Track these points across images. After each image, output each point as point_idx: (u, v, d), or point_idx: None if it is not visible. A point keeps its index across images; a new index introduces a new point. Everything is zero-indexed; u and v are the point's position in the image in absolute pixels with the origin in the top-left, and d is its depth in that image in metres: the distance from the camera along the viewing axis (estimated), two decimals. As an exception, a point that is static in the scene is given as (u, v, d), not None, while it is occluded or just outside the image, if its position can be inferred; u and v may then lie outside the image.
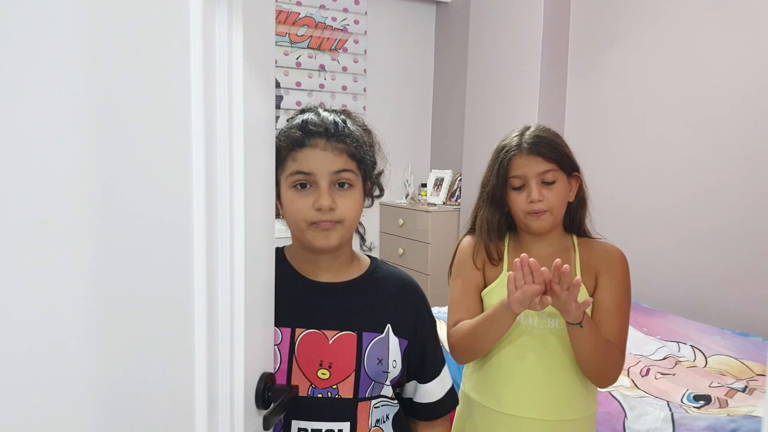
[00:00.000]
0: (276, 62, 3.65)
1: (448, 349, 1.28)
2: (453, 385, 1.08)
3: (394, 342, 0.96)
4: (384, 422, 0.97)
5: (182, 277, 0.63)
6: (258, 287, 0.77)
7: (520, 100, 3.11)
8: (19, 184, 0.45)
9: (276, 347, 0.93)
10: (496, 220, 1.30)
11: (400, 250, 3.62)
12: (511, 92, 3.16)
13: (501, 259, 1.31)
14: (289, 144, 0.91)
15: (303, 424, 0.91)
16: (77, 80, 0.49)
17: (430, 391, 1.03)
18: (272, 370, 0.82)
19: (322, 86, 3.71)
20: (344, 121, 0.94)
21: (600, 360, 1.19)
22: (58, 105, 0.48)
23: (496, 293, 1.26)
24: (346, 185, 0.91)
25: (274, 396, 0.77)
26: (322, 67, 3.71)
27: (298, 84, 3.65)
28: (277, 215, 0.97)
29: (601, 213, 2.94)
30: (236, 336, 0.71)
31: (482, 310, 1.29)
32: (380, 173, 1.01)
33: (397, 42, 3.96)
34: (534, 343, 1.25)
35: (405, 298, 1.01)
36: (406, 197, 3.79)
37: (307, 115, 0.94)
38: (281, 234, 1.01)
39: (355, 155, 0.92)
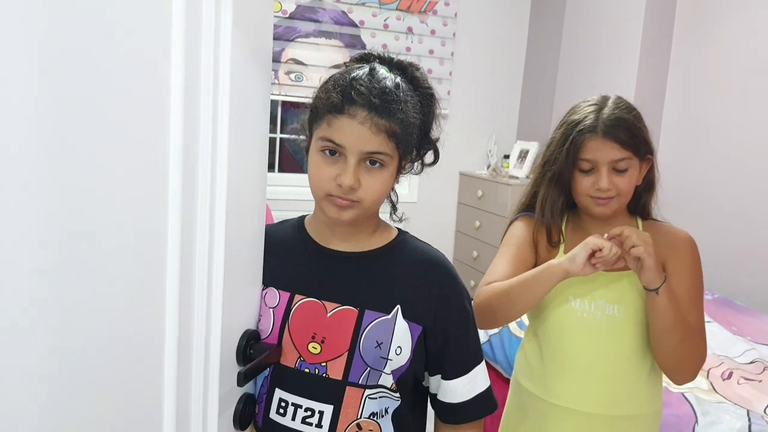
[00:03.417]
0: (363, 23, 3.60)
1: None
2: (489, 389, 0.93)
3: (402, 326, 0.85)
4: (382, 416, 0.86)
5: (155, 228, 0.60)
6: (242, 242, 0.73)
7: (617, 72, 2.89)
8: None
9: (271, 310, 0.87)
10: (561, 202, 1.21)
11: (477, 223, 3.50)
12: (607, 63, 2.95)
13: (560, 242, 1.22)
14: (328, 106, 0.82)
15: (285, 395, 0.85)
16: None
17: (453, 390, 0.90)
18: (255, 327, 0.79)
19: (408, 49, 3.61)
20: (397, 87, 0.83)
21: (679, 343, 1.07)
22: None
23: None
24: (378, 164, 0.82)
25: (256, 353, 0.74)
26: (409, 30, 3.60)
27: (384, 46, 3.57)
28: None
29: (698, 201, 2.66)
30: (214, 290, 0.67)
31: None
32: (436, 140, 0.93)
33: (490, 4, 3.76)
34: (590, 332, 1.16)
35: (426, 278, 0.89)
36: (488, 168, 3.63)
37: (359, 72, 0.83)
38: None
39: (396, 134, 0.81)
